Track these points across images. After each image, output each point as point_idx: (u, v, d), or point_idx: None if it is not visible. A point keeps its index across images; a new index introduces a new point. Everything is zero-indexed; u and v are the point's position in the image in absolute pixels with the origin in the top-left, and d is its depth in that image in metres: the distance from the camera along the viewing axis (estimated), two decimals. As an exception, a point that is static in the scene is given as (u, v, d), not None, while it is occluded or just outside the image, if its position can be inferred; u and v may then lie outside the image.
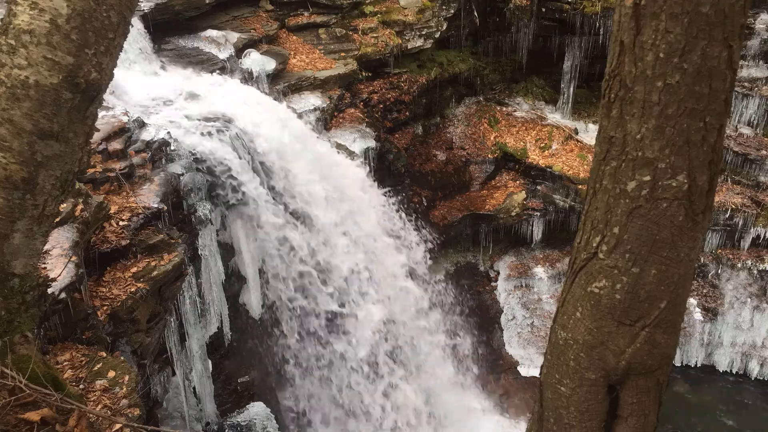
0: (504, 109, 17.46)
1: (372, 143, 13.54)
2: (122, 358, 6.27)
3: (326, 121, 13.21)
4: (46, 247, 4.87)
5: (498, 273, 16.80)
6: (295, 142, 10.83)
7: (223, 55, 12.08)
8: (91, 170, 8.19)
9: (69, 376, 5.62)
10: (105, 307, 7.23)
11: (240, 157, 9.79)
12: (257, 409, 11.29)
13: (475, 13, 16.37)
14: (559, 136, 16.52)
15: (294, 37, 14.29)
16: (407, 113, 15.58)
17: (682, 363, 15.99)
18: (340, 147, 12.81)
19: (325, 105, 13.12)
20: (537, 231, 16.56)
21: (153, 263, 8.03)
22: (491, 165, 16.76)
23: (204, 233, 9.57)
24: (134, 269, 7.84)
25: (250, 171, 9.87)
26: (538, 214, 16.31)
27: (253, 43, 12.99)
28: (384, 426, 11.72)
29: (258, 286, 10.65)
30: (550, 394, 3.11)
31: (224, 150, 9.61)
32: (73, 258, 6.34)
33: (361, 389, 11.57)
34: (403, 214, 13.66)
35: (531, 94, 17.71)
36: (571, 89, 16.87)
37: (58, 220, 6.23)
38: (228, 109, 10.27)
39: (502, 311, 16.37)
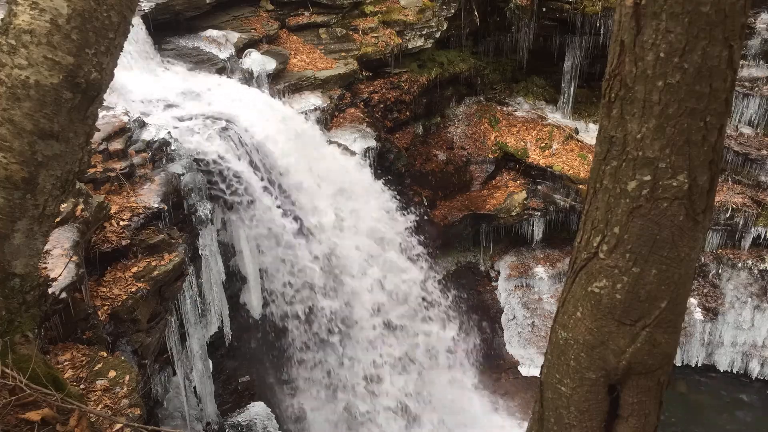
0: (504, 108, 17.44)
1: (372, 143, 13.53)
2: (123, 357, 6.26)
3: (327, 121, 13.19)
4: (46, 247, 4.86)
5: (498, 273, 16.79)
6: (295, 141, 10.82)
7: (223, 54, 12.07)
8: (92, 170, 8.19)
9: (69, 376, 5.62)
10: (106, 307, 7.24)
11: (240, 157, 9.79)
12: (258, 409, 11.29)
13: (476, 13, 16.35)
14: (560, 136, 16.50)
15: (294, 37, 14.27)
16: (408, 113, 15.56)
17: (682, 363, 15.98)
18: (340, 147, 12.80)
19: (325, 105, 13.11)
20: (537, 231, 16.55)
21: (153, 263, 8.03)
22: (492, 165, 16.75)
23: (204, 233, 9.57)
24: (135, 269, 7.83)
25: (250, 170, 9.87)
26: (539, 213, 16.29)
27: (253, 43, 12.98)
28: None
29: (258, 285, 10.65)
30: (551, 393, 3.11)
31: (224, 149, 9.61)
32: (74, 258, 6.34)
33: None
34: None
35: (531, 93, 17.68)
36: (572, 89, 16.85)
37: (58, 220, 6.23)
38: (228, 108, 10.28)
39: (503, 311, 16.37)
